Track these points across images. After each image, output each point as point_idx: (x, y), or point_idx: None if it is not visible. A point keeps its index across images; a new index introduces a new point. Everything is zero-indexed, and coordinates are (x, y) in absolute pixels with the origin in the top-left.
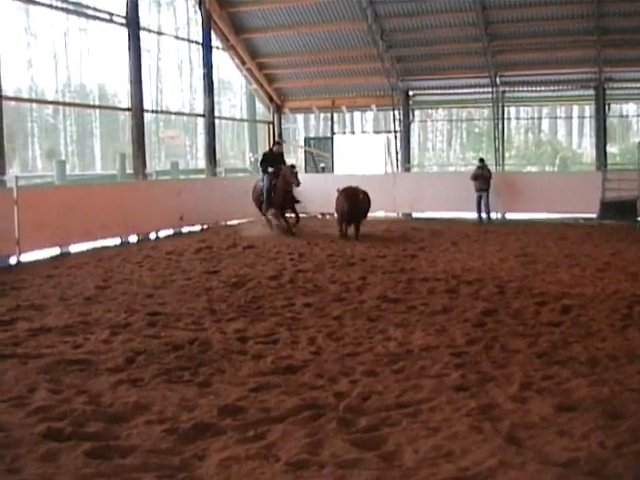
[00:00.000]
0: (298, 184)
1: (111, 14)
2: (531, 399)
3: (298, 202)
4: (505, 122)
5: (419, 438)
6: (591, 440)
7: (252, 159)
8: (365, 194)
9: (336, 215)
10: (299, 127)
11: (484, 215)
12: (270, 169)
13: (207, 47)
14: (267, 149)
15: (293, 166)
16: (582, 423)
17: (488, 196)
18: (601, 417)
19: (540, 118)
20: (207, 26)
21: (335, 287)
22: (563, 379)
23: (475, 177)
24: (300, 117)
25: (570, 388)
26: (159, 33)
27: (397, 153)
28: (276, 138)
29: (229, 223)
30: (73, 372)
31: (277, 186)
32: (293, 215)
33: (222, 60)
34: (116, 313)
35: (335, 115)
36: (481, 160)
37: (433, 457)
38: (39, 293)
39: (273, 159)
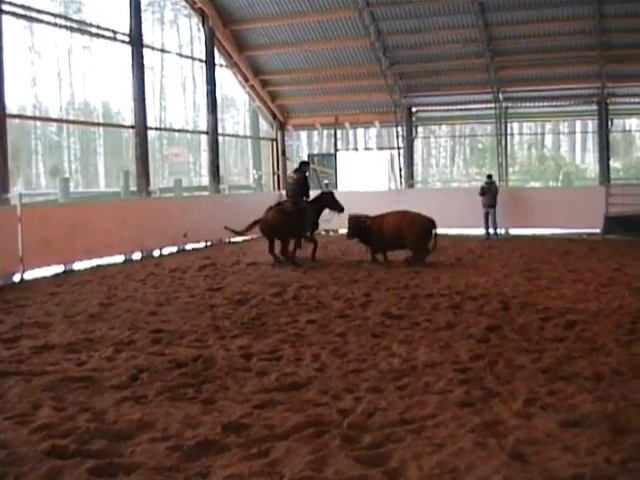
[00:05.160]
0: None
1: (115, 32)
2: (536, 415)
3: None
4: (508, 138)
5: (424, 454)
6: (596, 456)
7: (255, 176)
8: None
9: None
10: (302, 144)
11: (491, 230)
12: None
13: (210, 64)
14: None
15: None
16: (587, 439)
17: (495, 212)
18: (606, 433)
19: (543, 134)
20: (210, 44)
21: (339, 304)
22: (568, 395)
23: (483, 192)
24: (303, 134)
25: (575, 404)
26: (163, 51)
27: (400, 169)
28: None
29: (233, 240)
30: (77, 389)
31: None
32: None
33: (225, 77)
34: (120, 330)
35: (338, 132)
36: (489, 176)
37: (438, 473)
38: (43, 310)
39: (290, 184)
